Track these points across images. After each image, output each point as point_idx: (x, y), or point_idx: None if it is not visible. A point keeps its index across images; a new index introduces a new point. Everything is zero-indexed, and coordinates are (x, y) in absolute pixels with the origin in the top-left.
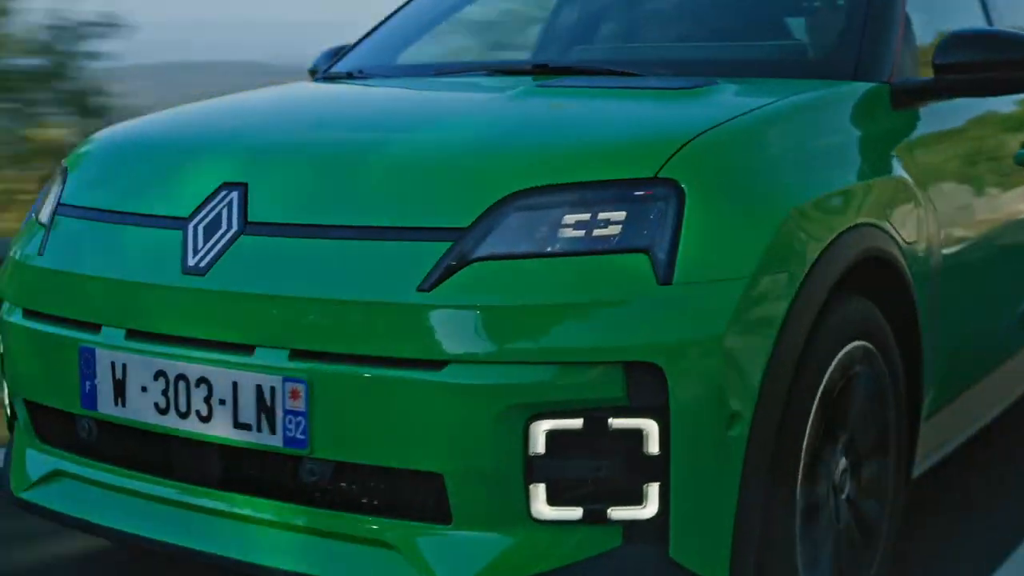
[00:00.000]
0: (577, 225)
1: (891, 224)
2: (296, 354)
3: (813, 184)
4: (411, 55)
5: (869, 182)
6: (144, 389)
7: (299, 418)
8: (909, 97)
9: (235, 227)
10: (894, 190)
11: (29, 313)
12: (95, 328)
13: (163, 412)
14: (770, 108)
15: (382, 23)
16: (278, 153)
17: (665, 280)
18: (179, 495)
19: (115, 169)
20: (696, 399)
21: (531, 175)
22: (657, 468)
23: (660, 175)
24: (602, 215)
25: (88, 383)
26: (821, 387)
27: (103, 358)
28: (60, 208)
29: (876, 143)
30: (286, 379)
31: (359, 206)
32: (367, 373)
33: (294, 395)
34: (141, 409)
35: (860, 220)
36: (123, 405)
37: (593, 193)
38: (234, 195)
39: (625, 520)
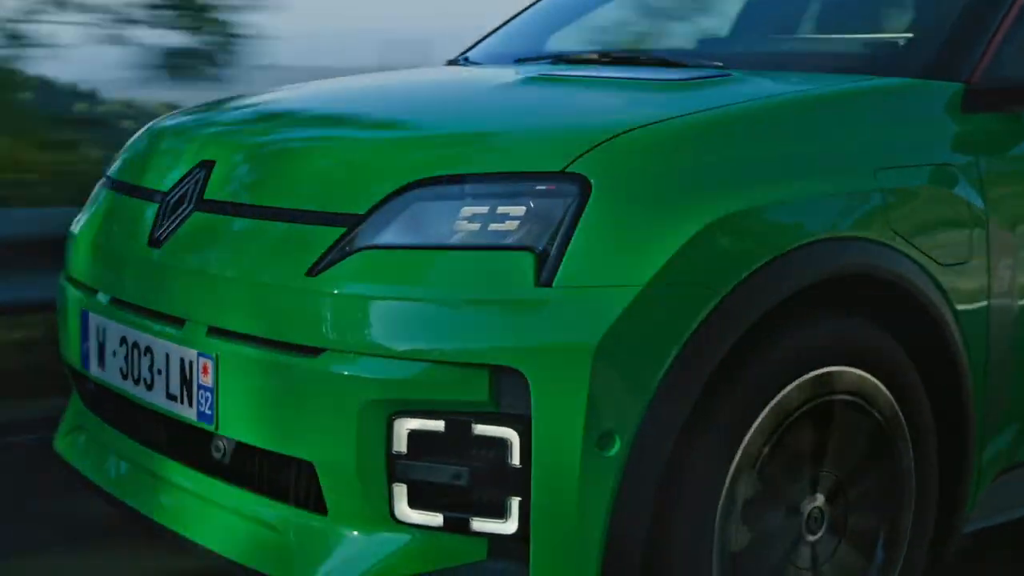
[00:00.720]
0: (474, 218)
1: (912, 242)
2: (211, 331)
3: (766, 192)
4: (560, 41)
5: (877, 192)
6: (114, 354)
7: (207, 393)
8: (994, 101)
9: (192, 204)
10: (931, 204)
11: (67, 277)
12: (93, 292)
13: (124, 377)
14: (737, 107)
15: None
16: (240, 136)
17: (544, 282)
18: (141, 459)
19: (145, 148)
20: (561, 412)
21: (435, 165)
22: (519, 482)
23: (568, 170)
24: (501, 209)
25: (84, 344)
26: (763, 413)
27: (93, 321)
28: (103, 181)
29: (916, 149)
30: (200, 354)
31: (282, 190)
32: (258, 354)
33: (204, 370)
34: (112, 372)
35: (845, 233)
36: (102, 367)
37: (496, 186)
38: (201, 174)
39: (491, 533)
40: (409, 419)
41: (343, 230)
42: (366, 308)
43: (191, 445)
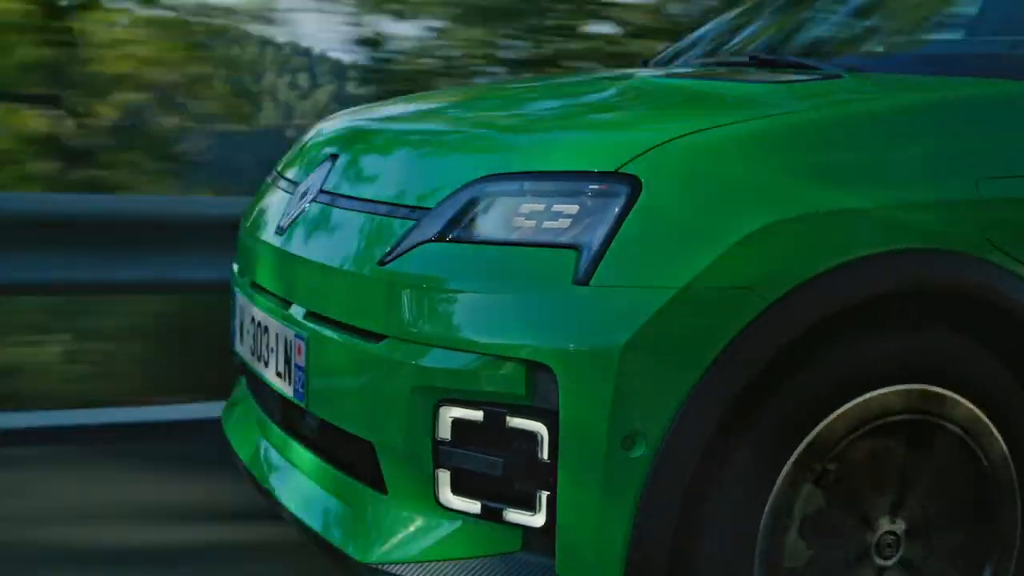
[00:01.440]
0: (531, 215)
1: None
2: (308, 314)
3: (826, 199)
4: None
5: (972, 203)
6: (248, 332)
7: (300, 373)
8: None
9: (313, 194)
10: None
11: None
12: (242, 276)
13: (252, 354)
14: (814, 113)
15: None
16: (361, 132)
17: (582, 280)
18: (266, 432)
19: (302, 143)
20: (587, 410)
21: (500, 163)
22: (547, 476)
23: (623, 170)
24: (556, 207)
25: (232, 322)
26: (821, 425)
27: (238, 302)
28: (272, 176)
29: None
30: (296, 335)
31: (377, 182)
32: (336, 337)
33: (299, 351)
34: (246, 349)
35: (923, 245)
36: (241, 344)
37: (554, 184)
38: (328, 166)
39: (524, 525)
40: (453, 407)
41: (413, 223)
42: (421, 299)
43: (294, 420)
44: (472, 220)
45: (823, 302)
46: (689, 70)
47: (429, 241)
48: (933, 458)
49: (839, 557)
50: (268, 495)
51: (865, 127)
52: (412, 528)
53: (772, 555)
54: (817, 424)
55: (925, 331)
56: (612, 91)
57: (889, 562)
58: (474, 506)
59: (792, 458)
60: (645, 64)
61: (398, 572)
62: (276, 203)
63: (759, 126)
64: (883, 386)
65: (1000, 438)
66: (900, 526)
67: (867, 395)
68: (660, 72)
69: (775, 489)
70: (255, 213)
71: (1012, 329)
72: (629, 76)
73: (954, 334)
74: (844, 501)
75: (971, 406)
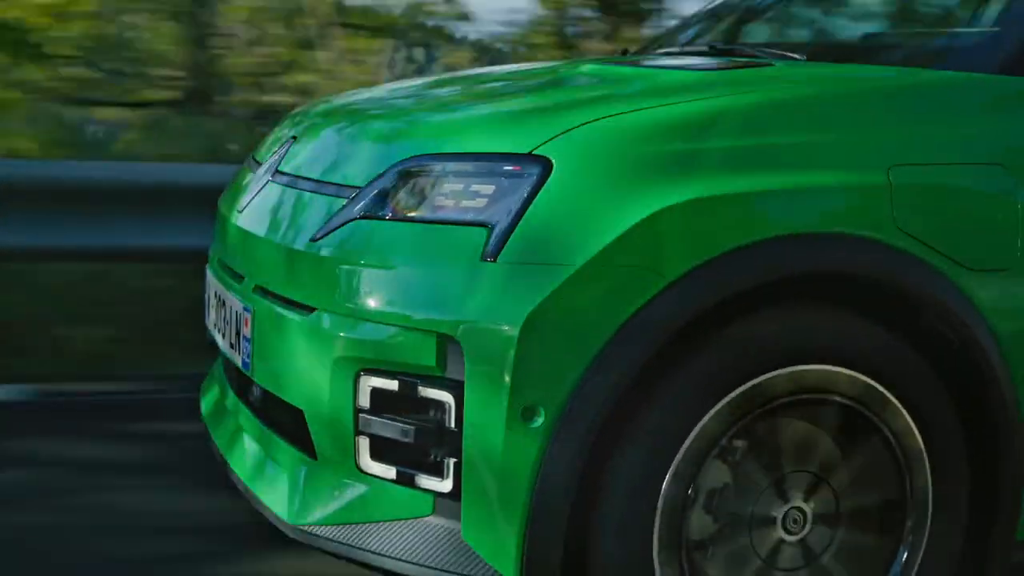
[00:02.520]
0: (451, 194)
1: (928, 243)
2: (256, 287)
3: (730, 182)
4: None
5: (883, 188)
6: (212, 306)
7: (246, 344)
8: None
9: (270, 175)
10: (956, 202)
11: None
12: (212, 253)
13: (215, 327)
14: (736, 97)
15: None
16: (317, 117)
17: (489, 256)
18: (225, 401)
19: (275, 129)
20: (490, 382)
21: (426, 146)
22: (454, 444)
23: (536, 152)
24: (474, 187)
25: (204, 297)
26: (722, 402)
27: (208, 278)
28: (247, 159)
29: (946, 146)
30: (245, 308)
31: (320, 163)
32: (275, 310)
33: (246, 323)
34: (211, 323)
35: (830, 230)
36: (208, 317)
37: (472, 165)
38: (285, 148)
39: (434, 491)
40: (372, 377)
41: (344, 201)
42: (346, 273)
43: (244, 389)
44: (397, 199)
45: (721, 283)
46: (641, 58)
47: (356, 219)
48: (836, 434)
49: (743, 532)
50: (223, 461)
51: (770, 113)
52: (335, 492)
53: (673, 528)
54: (716, 403)
55: (821, 312)
56: (552, 78)
57: (793, 537)
58: (390, 472)
59: (692, 434)
60: (623, 53)
61: (320, 533)
62: (244, 184)
63: (667, 112)
64: (781, 367)
65: (904, 411)
66: (805, 502)
67: (765, 376)
68: (612, 61)
69: (674, 464)
70: (228, 194)
71: (913, 309)
72: (581, 64)
73: (850, 315)
74: (747, 477)
75: (853, 374)
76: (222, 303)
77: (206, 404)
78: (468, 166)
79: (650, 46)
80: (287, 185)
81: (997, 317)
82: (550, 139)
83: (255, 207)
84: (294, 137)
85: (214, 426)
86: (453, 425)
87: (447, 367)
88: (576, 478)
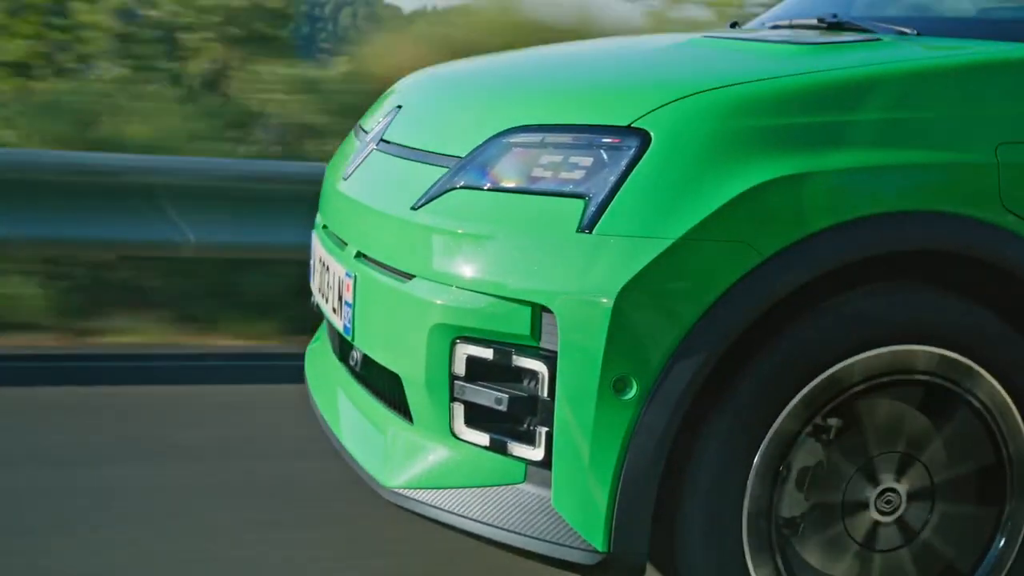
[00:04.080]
0: (549, 166)
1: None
2: (359, 254)
3: (832, 159)
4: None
5: (989, 167)
6: (316, 271)
7: (348, 309)
8: None
9: (375, 142)
10: None
11: None
12: (318, 219)
13: (319, 292)
14: (835, 72)
15: None
16: (425, 85)
17: (585, 228)
18: (329, 366)
19: (381, 98)
20: (582, 353)
21: (527, 117)
22: (546, 413)
23: (635, 124)
24: (573, 158)
25: (310, 262)
26: (816, 381)
27: (313, 243)
28: (355, 127)
29: None
30: (347, 273)
31: (423, 132)
32: (376, 276)
33: (347, 288)
34: (315, 286)
35: (932, 208)
36: (313, 282)
37: (572, 136)
38: (390, 117)
39: (526, 459)
40: (468, 345)
41: (446, 170)
42: (444, 241)
43: (346, 353)
44: (497, 169)
45: (818, 260)
46: (749, 32)
47: (456, 188)
48: (936, 415)
49: (834, 509)
50: (324, 423)
51: (875, 89)
52: (430, 457)
53: (763, 503)
54: (809, 380)
55: (919, 291)
56: (658, 50)
57: (889, 518)
58: (483, 438)
59: (784, 412)
60: (732, 26)
61: (414, 497)
62: (350, 152)
63: (767, 86)
64: (875, 347)
65: (1005, 394)
66: (902, 484)
67: (865, 353)
68: (720, 34)
69: (765, 441)
70: (335, 161)
71: (1007, 286)
72: (689, 37)
73: (949, 294)
74: (841, 456)
75: (949, 353)
76: (326, 268)
77: (310, 366)
78: (567, 138)
79: (760, 18)
80: (391, 154)
81: None
82: (649, 112)
83: (359, 175)
84: (399, 106)
85: (317, 388)
86: (546, 395)
87: (541, 337)
88: (666, 450)
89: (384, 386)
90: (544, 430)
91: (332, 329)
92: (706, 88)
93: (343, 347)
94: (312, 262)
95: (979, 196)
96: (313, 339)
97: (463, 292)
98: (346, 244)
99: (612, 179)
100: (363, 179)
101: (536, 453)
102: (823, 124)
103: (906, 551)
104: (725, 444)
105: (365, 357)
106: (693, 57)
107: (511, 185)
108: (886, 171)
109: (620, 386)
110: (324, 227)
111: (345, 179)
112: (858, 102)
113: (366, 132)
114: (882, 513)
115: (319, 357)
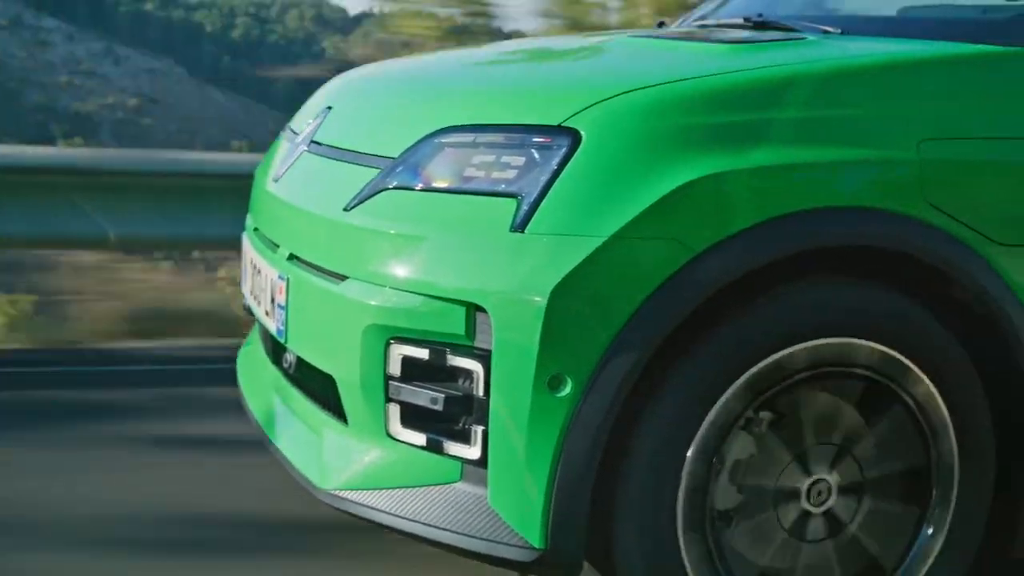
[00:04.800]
0: (481, 166)
1: (959, 219)
2: (291, 256)
3: (760, 156)
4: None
5: (913, 164)
6: (248, 274)
7: (281, 311)
8: None
9: (305, 144)
10: (987, 177)
11: None
12: (249, 221)
13: (251, 294)
14: (756, 74)
15: None
16: (356, 86)
17: (518, 227)
18: (261, 368)
19: (312, 99)
20: (517, 351)
21: (459, 117)
22: (481, 412)
23: (565, 124)
24: (505, 158)
25: (241, 267)
26: (746, 375)
27: (244, 245)
28: (285, 129)
29: (980, 121)
30: (279, 276)
31: (355, 133)
32: (309, 278)
33: (280, 291)
34: (247, 290)
35: (858, 203)
36: (244, 285)
37: (503, 136)
38: (321, 118)
39: (462, 457)
40: (403, 345)
41: (378, 171)
42: (377, 242)
43: (279, 356)
44: (429, 169)
45: (745, 256)
46: (676, 32)
47: (389, 189)
48: (863, 405)
49: (766, 501)
50: (259, 427)
51: (800, 87)
52: (366, 458)
53: (697, 499)
54: (740, 375)
55: (845, 286)
56: (586, 51)
57: (819, 509)
58: (419, 438)
59: (715, 406)
60: (659, 26)
61: (350, 498)
62: (280, 153)
63: (695, 85)
64: (803, 340)
65: (929, 383)
66: (833, 475)
67: (793, 347)
68: (647, 34)
69: (699, 434)
70: (265, 163)
71: (940, 282)
72: (616, 37)
73: (878, 288)
74: (773, 448)
75: (880, 347)
76: (258, 271)
77: (242, 369)
78: (499, 137)
79: (687, 19)
80: (322, 155)
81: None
82: (580, 111)
83: (290, 176)
84: (329, 107)
85: (250, 391)
86: (481, 393)
87: (476, 336)
88: (601, 446)
89: (318, 388)
90: (480, 429)
91: (265, 332)
92: (635, 87)
93: (276, 350)
94: (243, 265)
95: (902, 192)
96: (245, 343)
97: (397, 292)
98: (278, 246)
99: (543, 178)
100: (294, 181)
101: (472, 452)
102: (750, 122)
103: (831, 543)
104: (660, 438)
105: (299, 359)
106: (622, 57)
107: (443, 185)
108: (812, 167)
109: (555, 383)
110: (255, 229)
111: (276, 181)
112: (783, 100)
113: (296, 133)
114: (812, 504)
115: (251, 360)
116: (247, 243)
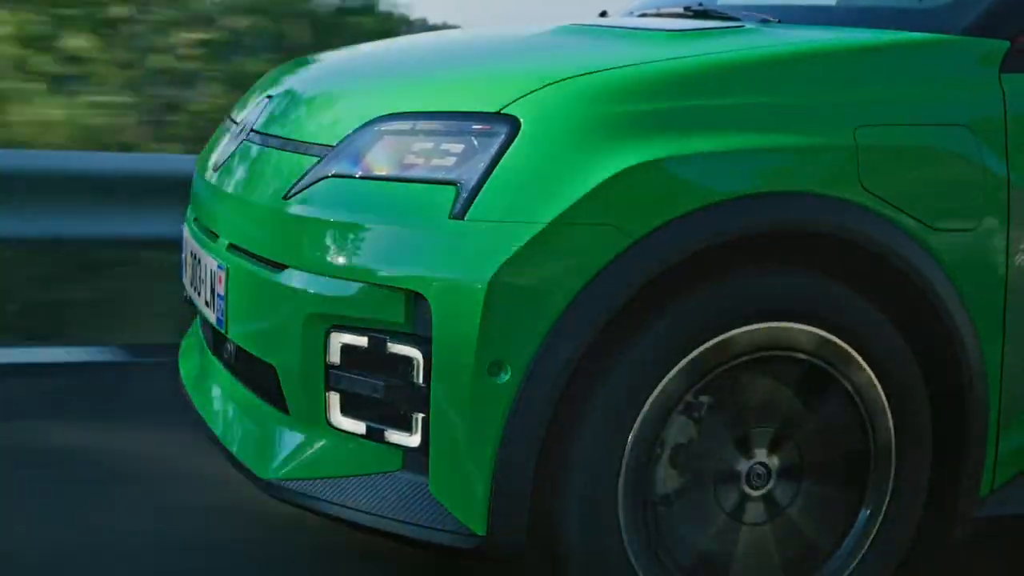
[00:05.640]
0: (420, 153)
1: (893, 203)
2: (230, 245)
3: (698, 142)
4: None
5: (849, 149)
6: (188, 264)
7: (221, 301)
8: None
9: (246, 133)
10: (921, 163)
11: None
12: (189, 212)
13: (191, 285)
14: (704, 57)
15: None
16: (292, 78)
17: (457, 215)
18: (202, 359)
19: (253, 88)
20: (455, 338)
21: (397, 105)
22: (421, 399)
23: (504, 111)
24: (444, 145)
25: (181, 256)
26: (689, 357)
27: (184, 236)
28: (225, 119)
29: (915, 107)
30: (219, 265)
31: (294, 122)
32: (249, 267)
33: (220, 280)
34: (187, 281)
35: (796, 188)
36: (184, 276)
37: (442, 123)
38: (261, 107)
39: (403, 445)
40: (343, 333)
41: (317, 160)
42: (316, 231)
43: (219, 347)
44: (368, 157)
45: (684, 242)
46: (616, 19)
47: (327, 177)
48: (801, 390)
49: (710, 486)
50: (199, 417)
51: (737, 74)
52: (307, 447)
53: (637, 483)
54: (679, 360)
55: (783, 271)
56: (525, 40)
57: (757, 492)
58: (360, 427)
59: (655, 391)
60: (602, 15)
61: (291, 488)
62: (220, 143)
63: (634, 72)
64: (742, 325)
65: (865, 365)
66: (768, 457)
67: (730, 332)
68: (587, 22)
69: (639, 419)
70: (205, 153)
71: (877, 267)
72: (555, 27)
73: (815, 273)
74: (714, 433)
75: (817, 331)
76: (198, 261)
77: (184, 362)
78: (438, 125)
79: (628, 7)
80: (261, 144)
81: (960, 274)
82: (519, 98)
83: (230, 166)
84: (269, 96)
85: (191, 383)
86: (421, 381)
87: (416, 323)
88: (542, 433)
89: (258, 378)
90: (420, 416)
91: (205, 323)
92: (574, 74)
93: (216, 340)
94: (183, 256)
95: (839, 177)
96: (186, 335)
97: (336, 281)
98: (217, 236)
99: (482, 165)
100: (233, 170)
101: (413, 440)
102: (688, 108)
103: (769, 527)
104: (600, 422)
105: (239, 349)
106: (561, 45)
107: (383, 173)
108: (750, 154)
109: (495, 370)
110: (195, 220)
111: (215, 170)
112: (722, 87)
113: (236, 123)
114: (752, 487)
115: (192, 352)
116: (187, 234)
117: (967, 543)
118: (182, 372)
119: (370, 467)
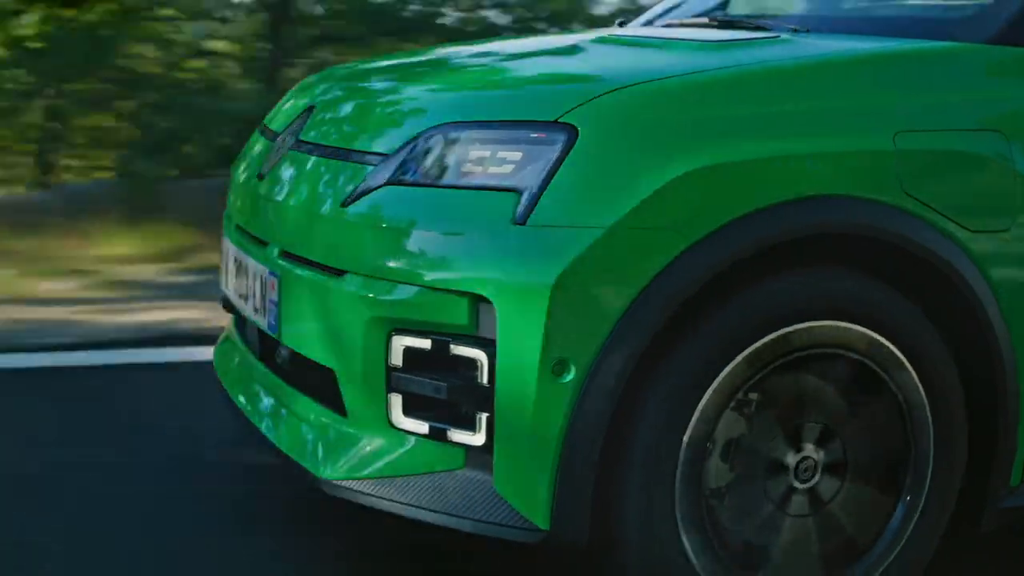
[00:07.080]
0: (478, 161)
1: (932, 206)
2: (282, 253)
3: (750, 147)
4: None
5: (890, 154)
6: (232, 272)
7: (274, 307)
8: None
9: (291, 142)
10: (957, 167)
11: None
12: (229, 219)
13: (236, 292)
14: (743, 68)
15: None
16: (336, 87)
17: (520, 220)
18: (248, 365)
19: (287, 97)
20: (522, 339)
21: (453, 114)
22: (485, 399)
23: (561, 120)
24: (501, 153)
25: (222, 264)
26: (740, 357)
27: (225, 244)
28: (260, 127)
29: (948, 113)
30: (271, 272)
31: (345, 131)
32: (305, 274)
33: (272, 287)
34: (231, 288)
35: (842, 193)
36: (227, 285)
37: (499, 132)
38: (304, 116)
39: (466, 444)
40: (405, 336)
41: (373, 168)
42: (378, 237)
43: (269, 352)
44: (426, 165)
45: (739, 244)
46: (643, 29)
47: (386, 184)
48: (847, 387)
49: (759, 479)
50: (249, 423)
51: (785, 82)
52: (367, 448)
53: (693, 478)
54: (734, 358)
55: (835, 272)
56: (573, 48)
57: (806, 485)
58: (422, 427)
59: (711, 388)
60: (621, 25)
61: (353, 487)
62: (260, 152)
63: (687, 81)
64: (795, 323)
65: (910, 368)
66: (820, 454)
67: (782, 330)
68: (623, 33)
69: (696, 416)
70: (243, 161)
71: (919, 269)
72: (600, 36)
73: (862, 274)
74: (764, 429)
75: (882, 340)
76: (243, 268)
77: (221, 367)
78: (496, 133)
79: (642, 18)
80: (310, 153)
81: (995, 275)
82: (575, 107)
83: (277, 174)
84: (312, 106)
85: (235, 389)
86: (486, 381)
87: (479, 326)
88: (604, 430)
89: (314, 381)
90: (484, 415)
91: (248, 328)
92: (628, 84)
93: (265, 345)
94: (224, 262)
95: (882, 182)
96: (220, 340)
97: (398, 285)
98: (266, 244)
99: (543, 172)
100: (283, 179)
101: (477, 438)
102: (740, 116)
103: (812, 520)
104: (659, 418)
105: (293, 354)
106: (609, 55)
107: (441, 180)
108: (799, 159)
109: (559, 369)
110: (237, 228)
111: (260, 178)
112: (770, 95)
113: (275, 131)
114: (799, 480)
115: (230, 357)
116: (228, 241)
117: (995, 534)
118: (221, 377)
119: (432, 466)
